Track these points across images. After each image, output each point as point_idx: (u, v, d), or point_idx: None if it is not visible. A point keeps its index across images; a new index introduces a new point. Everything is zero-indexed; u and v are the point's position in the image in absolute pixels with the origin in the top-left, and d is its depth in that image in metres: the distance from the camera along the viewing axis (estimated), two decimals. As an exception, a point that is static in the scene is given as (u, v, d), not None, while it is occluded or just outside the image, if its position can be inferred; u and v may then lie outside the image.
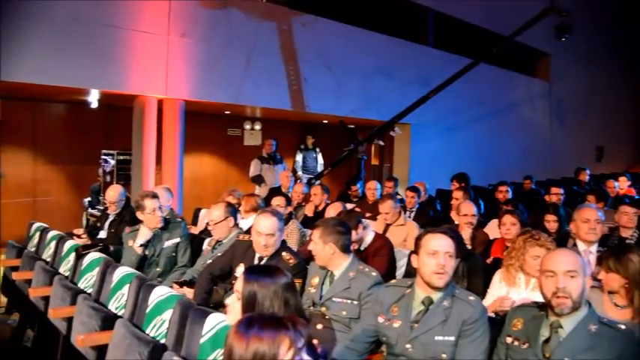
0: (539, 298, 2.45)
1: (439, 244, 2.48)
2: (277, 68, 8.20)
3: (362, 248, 4.09)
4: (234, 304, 2.07)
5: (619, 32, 16.52)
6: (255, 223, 3.29)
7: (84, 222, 8.35)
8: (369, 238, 4.16)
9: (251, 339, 1.46)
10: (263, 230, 3.26)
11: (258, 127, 10.89)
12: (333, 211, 4.67)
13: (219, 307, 3.44)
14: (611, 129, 16.75)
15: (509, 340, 2.37)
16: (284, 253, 3.30)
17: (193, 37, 7.33)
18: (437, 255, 2.45)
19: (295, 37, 8.26)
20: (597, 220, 3.80)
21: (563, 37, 9.61)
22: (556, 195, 6.13)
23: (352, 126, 10.50)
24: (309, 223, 5.50)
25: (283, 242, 3.41)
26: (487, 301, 3.36)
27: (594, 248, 3.80)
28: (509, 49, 11.48)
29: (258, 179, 8.55)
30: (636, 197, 7.12)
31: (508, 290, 3.26)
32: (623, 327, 2.19)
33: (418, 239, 2.57)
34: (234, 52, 7.68)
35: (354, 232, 3.71)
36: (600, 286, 2.91)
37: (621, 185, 7.78)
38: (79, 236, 4.70)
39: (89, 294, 3.69)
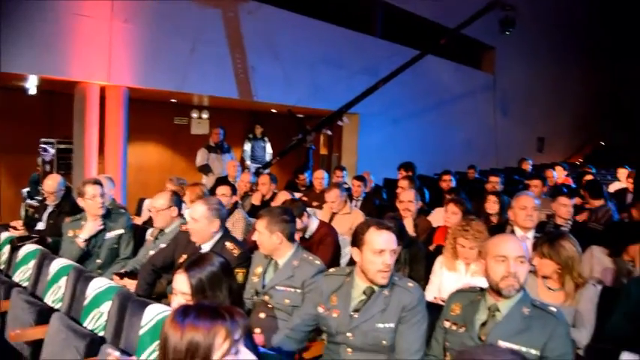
0: (479, 284, 2.52)
1: (385, 241, 2.44)
2: (224, 56, 8.07)
3: (307, 236, 4.12)
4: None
5: (561, 27, 17.07)
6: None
7: (22, 213, 8.04)
8: (313, 226, 4.20)
9: (186, 328, 1.45)
10: (191, 214, 3.27)
11: (205, 115, 10.72)
12: (283, 198, 4.66)
13: (163, 297, 3.39)
14: (551, 121, 17.34)
15: (447, 324, 2.43)
16: (227, 243, 3.26)
17: (137, 22, 7.13)
18: (383, 254, 2.42)
19: (242, 25, 8.15)
20: (534, 208, 3.95)
21: (508, 31, 9.85)
22: (493, 183, 6.31)
23: (301, 115, 10.48)
24: (256, 212, 5.45)
25: (226, 231, 3.39)
26: (429, 289, 3.44)
27: (531, 234, 3.94)
28: (456, 41, 11.68)
29: (205, 168, 8.44)
30: (573, 186, 7.39)
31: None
32: (554, 309, 2.28)
33: (360, 233, 2.50)
34: (180, 39, 7.51)
35: (298, 221, 3.74)
36: (535, 271, 3.02)
37: (558, 175, 8.07)
38: (15, 228, 4.52)
39: (25, 287, 3.56)
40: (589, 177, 6.91)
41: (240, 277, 3.11)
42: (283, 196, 4.70)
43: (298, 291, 2.99)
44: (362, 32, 10.54)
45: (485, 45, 13.92)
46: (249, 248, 3.57)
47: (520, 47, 14.67)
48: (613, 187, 7.77)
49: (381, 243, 2.43)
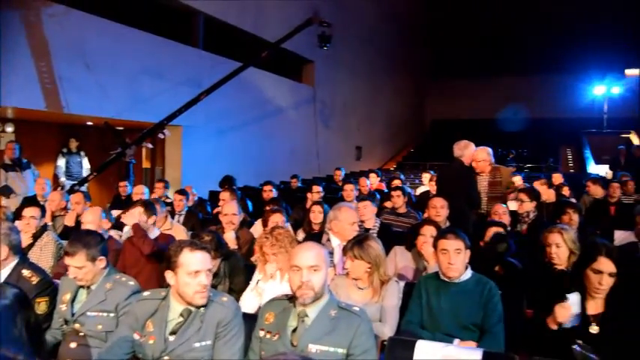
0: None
1: (200, 262, 2.45)
2: (28, 64, 7.37)
3: None
4: None
5: (375, 45, 18.49)
6: None
7: None
8: (153, 235, 4.20)
9: None
10: None
11: (10, 129, 9.70)
12: (91, 216, 4.40)
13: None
14: (368, 130, 18.69)
15: (261, 333, 2.49)
16: (24, 271, 2.99)
17: None
18: (199, 274, 2.42)
19: (47, 31, 7.51)
20: (358, 223, 4.22)
21: (325, 46, 10.38)
22: (315, 192, 6.60)
23: (120, 128, 9.99)
24: (70, 233, 5.07)
25: (23, 258, 3.11)
26: (243, 297, 3.46)
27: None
28: (278, 55, 12.03)
29: (5, 190, 7.51)
30: (385, 191, 8.00)
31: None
32: (357, 309, 2.46)
33: (174, 256, 2.48)
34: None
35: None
36: (346, 273, 3.24)
37: (372, 181, 8.68)
38: None
39: None
40: (397, 182, 7.56)
41: (42, 306, 2.88)
42: (91, 213, 4.45)
43: (112, 315, 2.85)
44: (183, 43, 10.37)
45: (305, 59, 14.53)
46: (57, 273, 3.32)
47: (338, 62, 15.63)
48: (419, 191, 8.59)
49: (196, 264, 2.43)
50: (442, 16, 24.36)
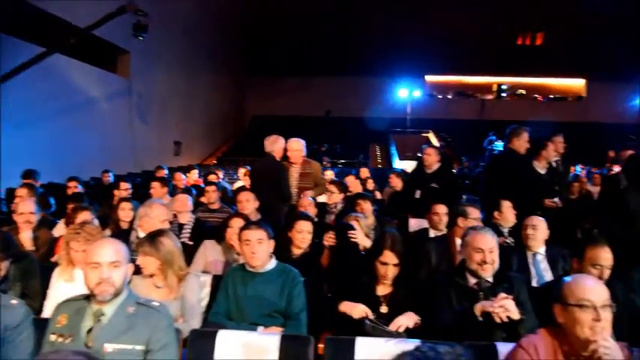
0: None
1: None
2: None
3: None
4: None
5: (194, 40, 18.17)
6: None
7: None
8: None
9: None
10: None
11: None
12: None
13: None
14: (187, 125, 18.32)
15: (53, 337, 2.37)
16: None
17: None
18: None
19: None
20: (169, 220, 4.17)
21: (140, 36, 10.00)
22: (122, 190, 6.34)
23: None
24: None
25: None
26: (47, 304, 3.25)
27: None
28: (89, 42, 11.25)
29: None
30: (202, 186, 7.96)
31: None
32: (156, 304, 2.46)
33: None
34: None
35: None
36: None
37: (192, 177, 8.59)
38: None
39: None
40: (212, 177, 7.58)
41: None
42: None
43: None
44: (-27, 23, 9.21)
45: (120, 48, 13.78)
46: None
47: (155, 55, 15.08)
48: (236, 185, 8.72)
49: None
50: (262, 15, 24.81)
